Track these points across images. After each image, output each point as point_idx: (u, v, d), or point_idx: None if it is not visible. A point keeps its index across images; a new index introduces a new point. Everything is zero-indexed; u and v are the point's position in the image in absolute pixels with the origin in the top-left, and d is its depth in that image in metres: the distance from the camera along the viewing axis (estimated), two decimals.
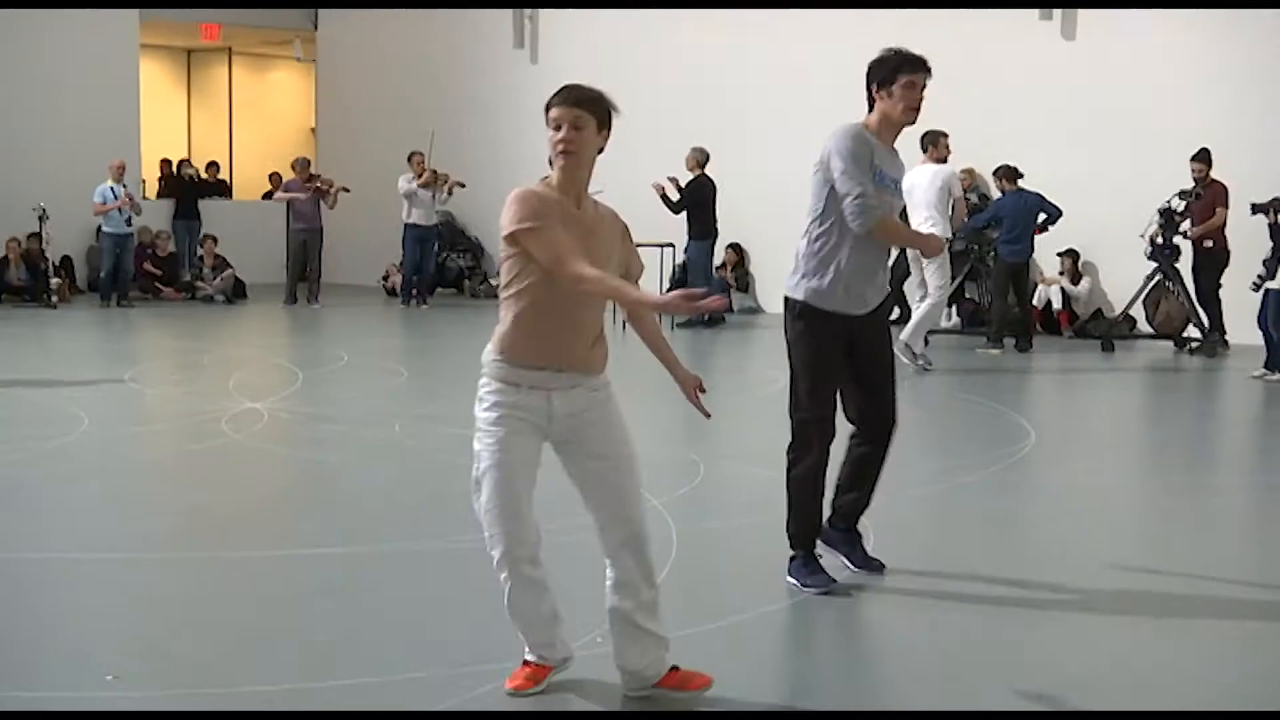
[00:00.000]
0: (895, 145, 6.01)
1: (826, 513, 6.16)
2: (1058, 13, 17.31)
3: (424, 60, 23.46)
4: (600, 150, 4.63)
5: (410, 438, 9.93)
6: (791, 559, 6.01)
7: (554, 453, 4.60)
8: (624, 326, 17.56)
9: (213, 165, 25.96)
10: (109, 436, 9.70)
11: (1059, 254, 17.11)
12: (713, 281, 18.30)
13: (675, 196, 17.37)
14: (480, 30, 22.76)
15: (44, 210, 19.25)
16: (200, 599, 5.87)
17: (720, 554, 6.71)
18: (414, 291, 20.56)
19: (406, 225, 20.31)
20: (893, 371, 6.14)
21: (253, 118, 28.04)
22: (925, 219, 12.84)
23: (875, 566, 6.21)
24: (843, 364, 5.92)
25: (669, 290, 18.83)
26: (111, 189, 19.85)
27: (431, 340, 16.68)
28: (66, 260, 21.58)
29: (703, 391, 4.85)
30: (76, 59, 22.10)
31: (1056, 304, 17.44)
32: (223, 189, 26.00)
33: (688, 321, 17.46)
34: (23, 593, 5.97)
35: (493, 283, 22.56)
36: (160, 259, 21.92)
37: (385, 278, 22.62)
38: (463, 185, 20.41)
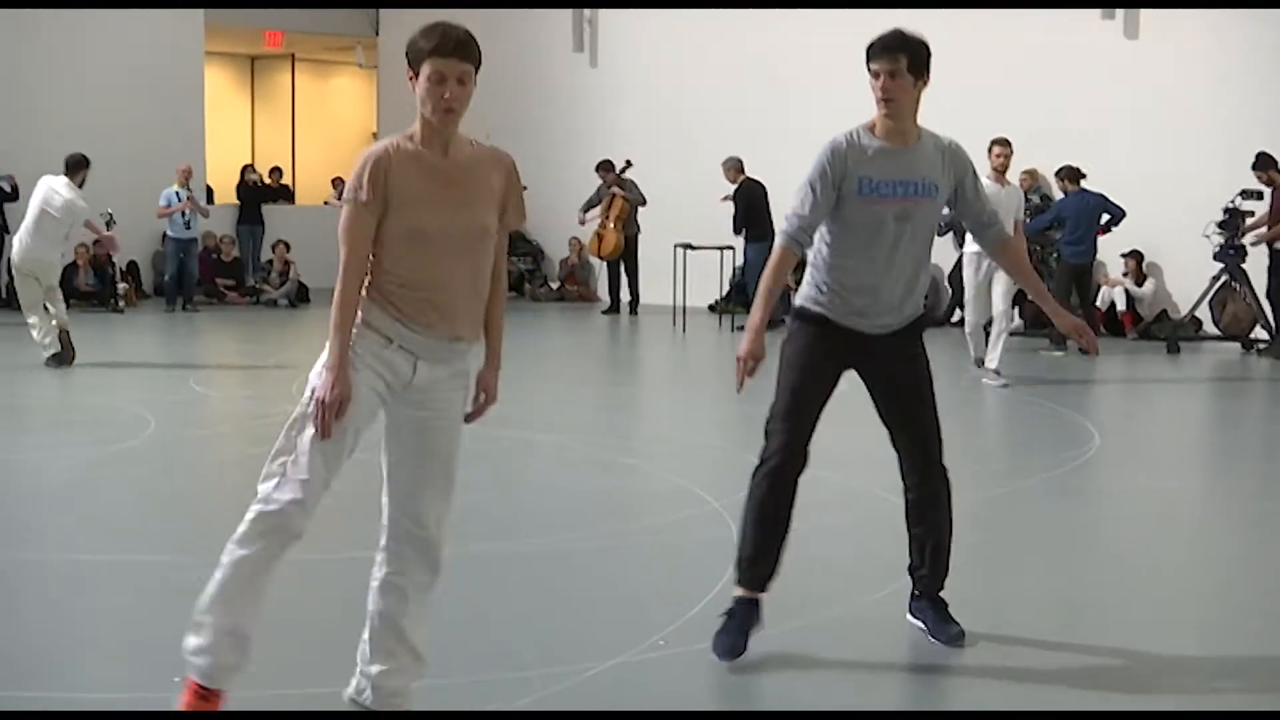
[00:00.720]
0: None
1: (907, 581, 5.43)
2: (1120, 12, 17.17)
3: (485, 65, 23.38)
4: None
5: (473, 441, 9.93)
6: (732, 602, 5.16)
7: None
8: (683, 330, 17.61)
9: (276, 170, 26.16)
10: (174, 439, 9.77)
11: (1123, 255, 16.98)
12: None
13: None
14: (540, 34, 22.82)
15: (111, 216, 19.37)
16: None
17: (787, 557, 6.68)
18: None
19: None
20: (928, 403, 5.29)
21: (315, 123, 28.23)
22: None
23: (955, 637, 5.28)
24: (828, 385, 5.16)
25: (728, 292, 18.82)
26: (176, 193, 20.04)
27: None
28: (133, 265, 21.80)
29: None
30: (143, 66, 22.31)
31: (1120, 305, 17.30)
32: (286, 194, 26.20)
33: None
34: (90, 594, 6.03)
35: (552, 286, 22.64)
36: (224, 263, 22.12)
37: None
38: (524, 187, 20.42)
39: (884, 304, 5.15)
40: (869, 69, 5.08)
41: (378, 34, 25.90)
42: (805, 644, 5.30)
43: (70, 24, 21.44)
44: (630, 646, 5.16)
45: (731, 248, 18.41)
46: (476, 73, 4.19)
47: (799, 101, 19.51)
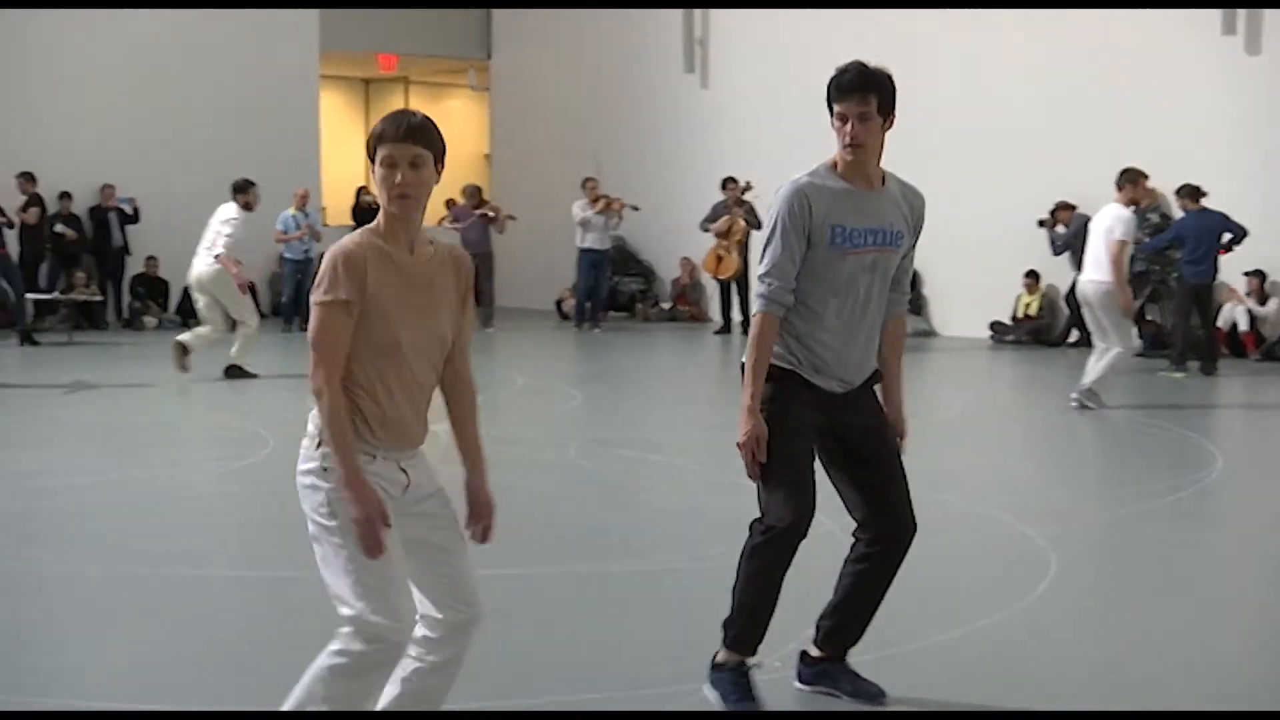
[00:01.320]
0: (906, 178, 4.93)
1: (810, 633, 5.00)
2: (1241, 26, 16.88)
3: (595, 87, 23.66)
4: (435, 182, 3.92)
5: (585, 459, 9.99)
6: (716, 665, 4.80)
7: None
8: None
9: None
10: (295, 458, 9.84)
11: (1245, 274, 16.66)
12: None
13: None
14: (651, 56, 22.89)
15: None
16: None
17: (896, 581, 6.62)
18: (587, 315, 20.71)
19: (581, 250, 20.47)
20: (898, 460, 4.93)
21: None
22: (1093, 265, 11.96)
23: (871, 693, 4.87)
24: (812, 445, 4.74)
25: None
26: (293, 217, 20.33)
27: (605, 364, 16.77)
28: (251, 286, 22.09)
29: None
30: (259, 91, 22.67)
31: (1243, 325, 16.97)
32: None
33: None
34: (213, 609, 6.12)
35: (664, 306, 22.66)
36: None
37: (559, 302, 22.83)
38: (636, 208, 20.52)
39: (848, 360, 4.73)
40: (832, 110, 4.64)
41: (490, 56, 26.14)
42: (915, 669, 5.24)
43: (189, 49, 21.84)
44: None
45: None
46: (439, 162, 3.85)
47: (908, 121, 19.38)
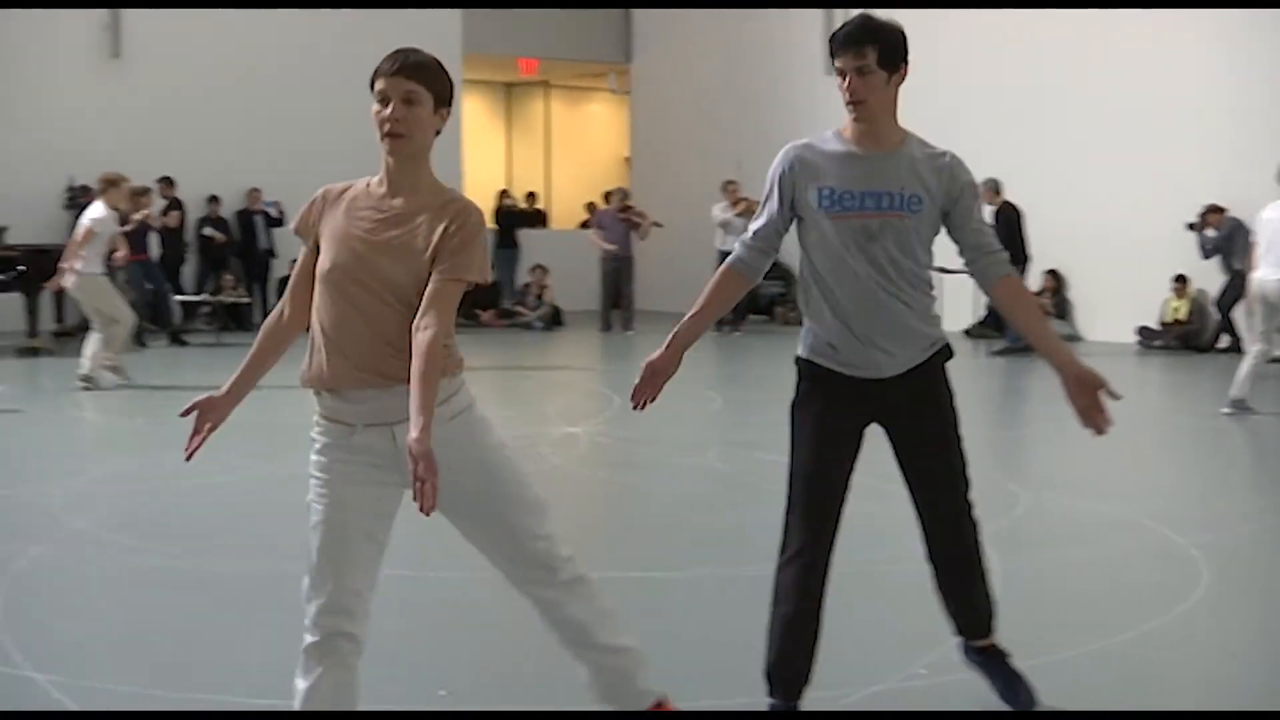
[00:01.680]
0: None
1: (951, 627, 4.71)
2: None
3: (735, 88, 23.63)
4: (437, 133, 3.74)
5: (724, 463, 9.97)
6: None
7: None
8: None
9: (531, 195, 26.65)
10: None
11: None
12: None
13: None
14: (792, 57, 22.81)
15: None
16: (522, 618, 5.97)
17: (1042, 589, 6.52)
18: (727, 318, 20.67)
19: (720, 252, 20.45)
20: (949, 451, 4.44)
21: (569, 148, 28.71)
22: (1268, 261, 11.31)
23: (1019, 699, 4.61)
24: (848, 453, 4.38)
25: (983, 317, 18.41)
26: None
27: (744, 367, 16.73)
28: None
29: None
30: None
31: None
32: (540, 218, 26.67)
33: (1006, 349, 17.15)
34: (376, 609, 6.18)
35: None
36: (480, 287, 22.52)
37: None
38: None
39: (862, 344, 4.31)
40: (834, 67, 4.25)
41: (630, 60, 26.22)
42: (1061, 679, 5.14)
43: (333, 54, 22.17)
44: (890, 674, 5.08)
45: None
46: (442, 105, 3.69)
47: (1055, 119, 19.13)
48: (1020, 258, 17.15)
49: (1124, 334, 18.46)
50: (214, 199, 21.18)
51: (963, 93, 19.93)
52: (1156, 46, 18.08)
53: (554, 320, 22.00)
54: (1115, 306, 18.71)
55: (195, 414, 3.81)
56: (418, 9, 22.77)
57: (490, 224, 24.45)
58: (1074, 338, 19.06)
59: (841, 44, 4.21)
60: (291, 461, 9.86)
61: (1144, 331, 18.39)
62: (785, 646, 4.38)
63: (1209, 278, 17.71)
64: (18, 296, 17.26)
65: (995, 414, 13.17)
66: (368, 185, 3.76)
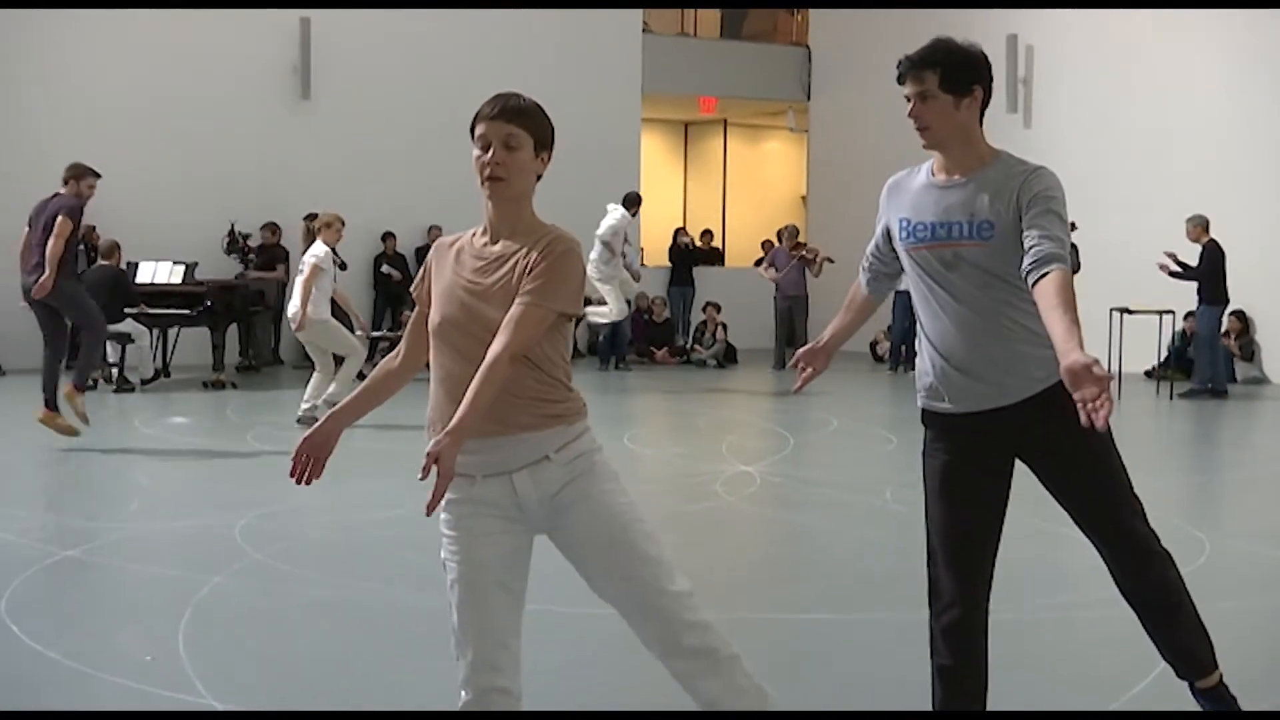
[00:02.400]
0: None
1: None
2: None
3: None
4: (539, 177, 3.71)
5: (900, 504, 9.84)
6: None
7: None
8: (1118, 396, 16.99)
9: (706, 233, 26.71)
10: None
11: None
12: (1218, 350, 17.38)
13: (1176, 268, 16.67)
14: None
15: None
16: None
17: (1229, 636, 6.32)
18: (902, 357, 20.50)
19: (897, 292, 20.26)
20: (1098, 474, 4.14)
21: (745, 186, 28.73)
22: None
23: None
24: (987, 497, 4.18)
25: (1166, 358, 17.98)
26: None
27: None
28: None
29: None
30: (583, 134, 23.15)
31: None
32: (716, 256, 26.71)
33: (1191, 391, 16.75)
34: (546, 642, 6.20)
35: None
36: (656, 324, 22.67)
37: (874, 344, 22.65)
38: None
39: (964, 376, 4.11)
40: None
41: (809, 98, 26.19)
42: None
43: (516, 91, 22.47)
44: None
45: (1171, 311, 17.67)
46: (543, 149, 3.66)
47: (1237, 158, 18.66)
48: (1222, 298, 16.73)
49: None
50: (389, 235, 21.56)
51: (1135, 132, 19.56)
52: None
53: (728, 357, 21.99)
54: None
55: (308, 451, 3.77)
56: (600, 49, 23.04)
57: (664, 261, 24.57)
58: (1260, 379, 18.55)
59: (904, 69, 4.13)
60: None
61: None
62: (949, 700, 4.25)
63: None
64: (204, 331, 17.75)
65: (1179, 459, 12.84)
66: (472, 235, 3.77)
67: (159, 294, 17.72)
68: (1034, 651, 6.06)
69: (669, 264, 24.50)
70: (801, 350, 4.57)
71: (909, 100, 4.12)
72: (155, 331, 17.83)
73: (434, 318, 3.69)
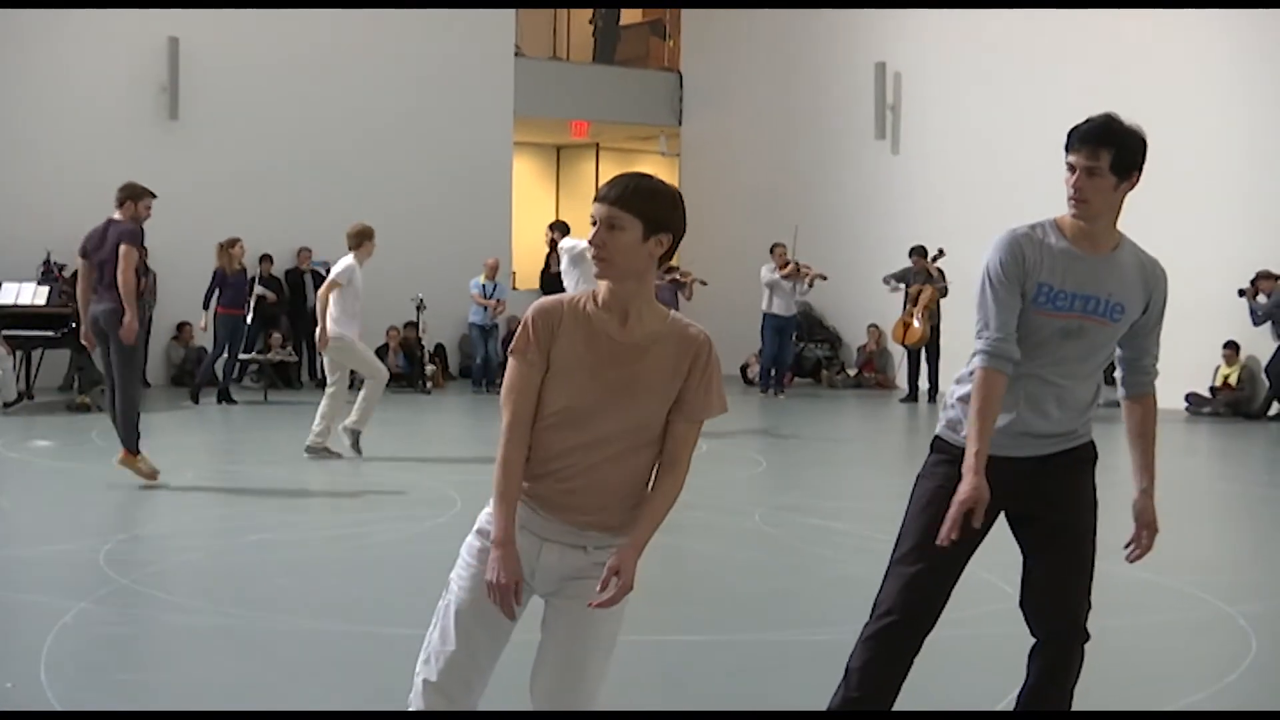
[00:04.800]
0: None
1: None
2: None
3: (785, 154, 23.69)
4: (662, 258, 3.72)
5: (771, 526, 9.94)
6: None
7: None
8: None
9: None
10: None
11: None
12: None
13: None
14: (842, 124, 22.86)
15: (421, 300, 20.18)
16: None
17: (1088, 659, 6.45)
18: (771, 381, 20.66)
19: (766, 315, 20.47)
20: (1085, 543, 4.46)
21: None
22: None
23: None
24: (974, 537, 4.22)
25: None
26: (483, 286, 20.77)
27: (789, 430, 16.67)
28: (440, 348, 22.53)
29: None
30: (456, 158, 23.13)
31: None
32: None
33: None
34: (401, 666, 6.18)
35: (849, 373, 22.49)
36: None
37: (744, 367, 22.82)
38: (825, 278, 20.44)
39: (1027, 431, 4.30)
40: (1066, 160, 4.19)
41: (681, 123, 26.36)
42: None
43: (388, 116, 22.36)
44: None
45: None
46: (658, 231, 3.64)
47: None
48: None
49: (1172, 400, 18.31)
50: (266, 258, 21.33)
51: (1006, 160, 19.91)
52: (1206, 111, 18.05)
53: None
54: (1164, 373, 18.43)
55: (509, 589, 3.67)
56: (472, 72, 23.02)
57: (535, 285, 24.60)
58: (1117, 403, 18.93)
59: (1078, 141, 4.16)
60: (332, 522, 9.93)
61: (1192, 398, 18.26)
62: (857, 692, 4.38)
63: (1261, 345, 17.59)
64: (65, 353, 17.41)
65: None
66: (585, 306, 3.74)
67: (21, 315, 17.35)
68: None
69: (539, 287, 24.49)
70: (967, 495, 4.16)
71: (1072, 170, 4.17)
72: (19, 353, 17.44)
73: (567, 399, 3.67)
